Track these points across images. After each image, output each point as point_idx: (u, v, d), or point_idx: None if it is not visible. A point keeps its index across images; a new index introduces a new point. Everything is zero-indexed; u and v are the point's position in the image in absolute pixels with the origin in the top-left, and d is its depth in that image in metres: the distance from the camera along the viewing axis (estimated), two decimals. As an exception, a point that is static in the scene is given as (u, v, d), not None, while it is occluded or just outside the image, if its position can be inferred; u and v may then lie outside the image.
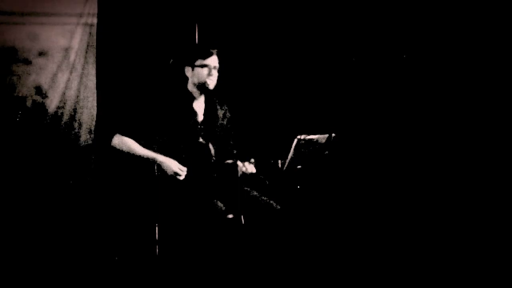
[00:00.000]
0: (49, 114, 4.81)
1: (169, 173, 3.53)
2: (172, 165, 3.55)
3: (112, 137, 3.68)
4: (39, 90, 4.82)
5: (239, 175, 3.58)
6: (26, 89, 4.80)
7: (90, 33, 4.83)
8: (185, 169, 3.55)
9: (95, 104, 4.80)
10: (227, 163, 3.69)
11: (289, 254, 3.70)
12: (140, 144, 3.61)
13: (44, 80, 4.81)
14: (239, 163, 3.61)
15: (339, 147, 3.64)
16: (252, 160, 3.61)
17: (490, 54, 4.43)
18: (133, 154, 3.62)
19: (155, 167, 3.58)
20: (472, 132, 4.47)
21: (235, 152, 3.83)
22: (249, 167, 3.61)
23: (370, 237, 4.42)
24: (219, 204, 3.50)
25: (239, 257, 3.52)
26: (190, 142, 3.69)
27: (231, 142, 3.84)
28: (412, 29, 4.57)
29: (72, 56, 4.84)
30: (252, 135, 4.45)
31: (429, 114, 4.57)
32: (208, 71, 3.68)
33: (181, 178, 3.54)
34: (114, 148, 3.67)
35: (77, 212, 4.53)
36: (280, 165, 3.54)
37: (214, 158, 3.70)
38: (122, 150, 3.64)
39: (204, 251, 3.47)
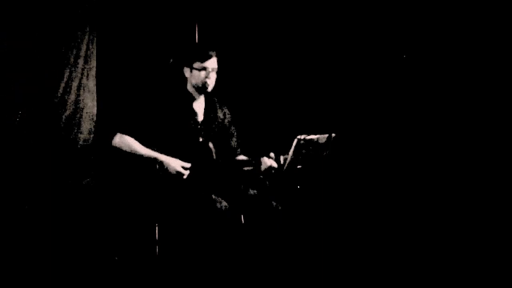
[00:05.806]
0: (48, 114, 4.80)
1: (172, 173, 3.52)
2: (175, 164, 3.54)
3: (113, 136, 3.67)
4: (39, 89, 4.82)
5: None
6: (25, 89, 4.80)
7: (90, 32, 4.83)
8: (188, 165, 3.54)
9: (95, 104, 4.80)
10: (246, 161, 3.70)
11: (289, 254, 3.70)
12: (142, 143, 3.61)
13: (44, 80, 4.81)
14: (264, 159, 3.61)
15: (339, 147, 3.64)
16: (272, 155, 3.61)
17: (490, 54, 4.43)
18: (134, 153, 3.61)
19: (157, 166, 3.58)
20: (472, 133, 4.47)
21: (238, 151, 3.84)
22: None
23: (370, 237, 4.43)
24: (219, 203, 3.50)
25: (239, 256, 3.52)
26: (190, 141, 3.69)
27: (235, 142, 3.84)
28: (412, 29, 4.57)
29: (72, 56, 4.83)
30: (252, 134, 4.45)
31: (429, 114, 4.57)
32: (206, 74, 3.66)
33: (185, 176, 3.53)
34: (115, 147, 3.66)
35: (77, 212, 4.53)
36: (282, 161, 3.54)
37: (214, 157, 3.70)
38: (123, 150, 3.64)
39: (204, 250, 3.47)
